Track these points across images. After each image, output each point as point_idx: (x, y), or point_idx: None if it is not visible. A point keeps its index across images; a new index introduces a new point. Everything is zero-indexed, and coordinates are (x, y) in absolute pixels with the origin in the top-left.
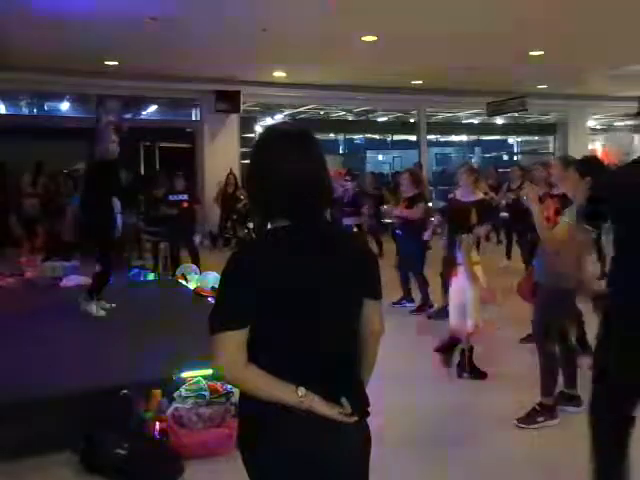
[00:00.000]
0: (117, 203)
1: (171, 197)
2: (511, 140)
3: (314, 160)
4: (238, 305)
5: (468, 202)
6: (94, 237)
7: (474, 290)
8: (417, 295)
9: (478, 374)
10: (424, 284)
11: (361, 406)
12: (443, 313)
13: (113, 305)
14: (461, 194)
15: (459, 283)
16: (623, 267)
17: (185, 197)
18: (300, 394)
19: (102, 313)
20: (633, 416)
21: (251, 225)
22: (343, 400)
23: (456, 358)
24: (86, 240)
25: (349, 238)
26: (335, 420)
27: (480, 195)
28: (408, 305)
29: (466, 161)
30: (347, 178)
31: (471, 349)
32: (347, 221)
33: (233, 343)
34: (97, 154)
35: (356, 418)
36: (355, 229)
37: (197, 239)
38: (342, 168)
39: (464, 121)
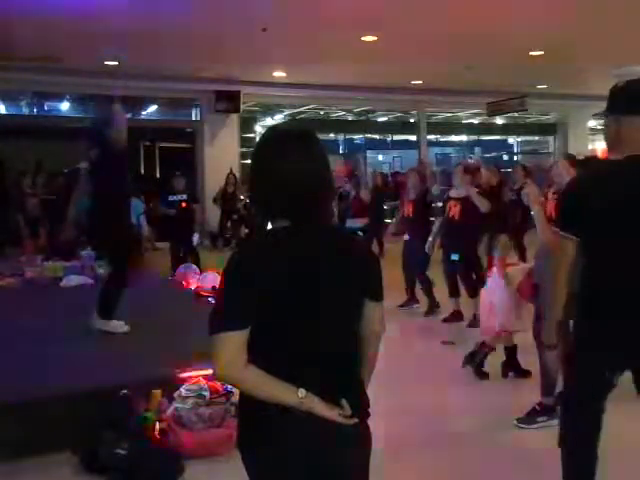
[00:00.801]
0: (139, 204)
1: (170, 197)
2: (511, 140)
3: (315, 160)
4: (238, 305)
5: (464, 197)
6: (106, 239)
7: (507, 291)
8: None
9: (522, 373)
10: (428, 285)
11: (361, 407)
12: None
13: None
14: (457, 191)
15: (492, 283)
16: (596, 292)
17: (184, 197)
18: (300, 395)
19: (126, 328)
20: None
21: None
22: (343, 402)
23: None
24: (96, 244)
25: (350, 239)
26: (335, 421)
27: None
28: (415, 307)
29: (461, 161)
30: (346, 179)
31: (514, 348)
32: (351, 223)
33: (233, 344)
34: (107, 141)
35: (356, 420)
36: (360, 232)
37: (196, 239)
38: (343, 165)
39: (464, 121)
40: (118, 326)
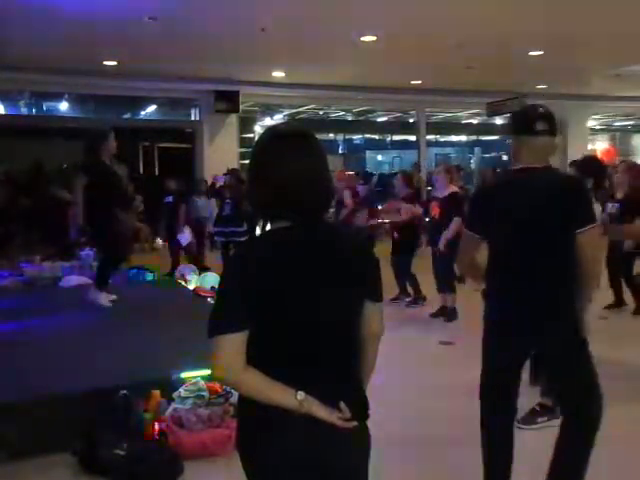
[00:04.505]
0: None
1: (166, 198)
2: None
3: (314, 161)
4: (238, 307)
5: (443, 197)
6: (98, 237)
7: None
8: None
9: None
10: (413, 281)
11: (361, 409)
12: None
13: (115, 297)
14: (439, 192)
15: None
16: (496, 283)
17: (170, 198)
18: (299, 398)
19: (109, 304)
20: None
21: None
22: (342, 405)
23: None
24: (91, 240)
25: (350, 239)
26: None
27: (453, 189)
28: (406, 300)
29: (442, 162)
30: (360, 182)
31: None
32: (359, 222)
33: (232, 346)
34: (91, 154)
35: (355, 423)
36: (367, 232)
37: (184, 239)
38: (343, 169)
39: (464, 121)
40: (103, 299)
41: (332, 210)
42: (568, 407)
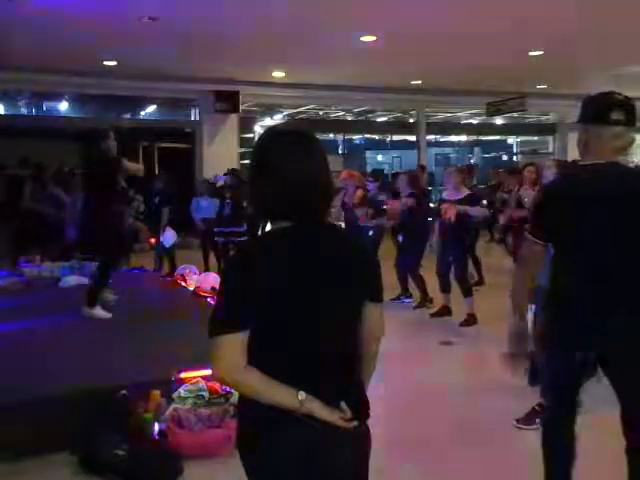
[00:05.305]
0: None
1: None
2: (510, 140)
3: (314, 161)
4: (238, 307)
5: (458, 200)
6: (96, 238)
7: None
8: (416, 294)
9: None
10: (420, 282)
11: (361, 409)
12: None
13: (116, 297)
14: (449, 194)
15: None
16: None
17: (157, 199)
18: (300, 398)
19: (107, 315)
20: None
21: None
22: (342, 405)
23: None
24: (88, 241)
25: (350, 239)
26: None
27: (466, 191)
28: (406, 301)
29: (451, 165)
30: (370, 179)
31: None
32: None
33: (232, 346)
34: (97, 152)
35: (356, 423)
36: (371, 232)
37: (168, 240)
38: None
39: (463, 121)
40: (99, 313)
41: (336, 209)
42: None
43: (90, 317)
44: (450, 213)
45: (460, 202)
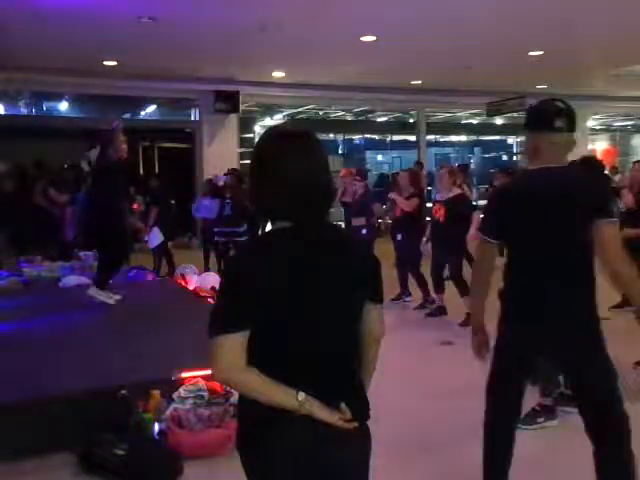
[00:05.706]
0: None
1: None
2: (510, 140)
3: (315, 161)
4: (238, 307)
5: (448, 199)
6: (98, 238)
7: None
8: (415, 293)
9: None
10: (422, 281)
11: (361, 410)
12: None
13: (120, 297)
14: (440, 194)
15: None
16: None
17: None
18: (300, 399)
19: (111, 301)
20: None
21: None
22: (342, 406)
23: None
24: (89, 240)
25: (351, 240)
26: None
27: (457, 191)
28: (407, 299)
29: (443, 164)
30: (357, 178)
31: None
32: (356, 222)
33: (232, 346)
34: (108, 156)
35: (356, 424)
36: (364, 230)
37: (153, 240)
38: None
39: (463, 121)
40: (105, 297)
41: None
42: (589, 410)
43: (92, 295)
44: (439, 213)
45: (446, 202)
